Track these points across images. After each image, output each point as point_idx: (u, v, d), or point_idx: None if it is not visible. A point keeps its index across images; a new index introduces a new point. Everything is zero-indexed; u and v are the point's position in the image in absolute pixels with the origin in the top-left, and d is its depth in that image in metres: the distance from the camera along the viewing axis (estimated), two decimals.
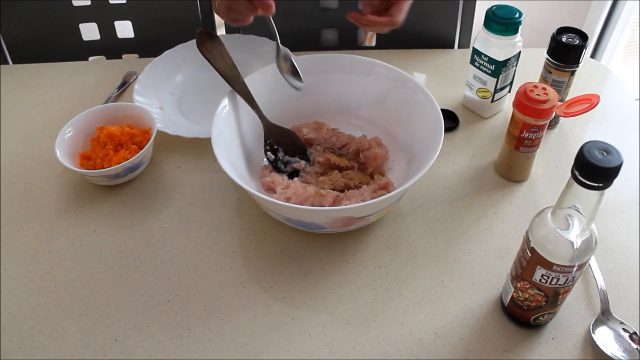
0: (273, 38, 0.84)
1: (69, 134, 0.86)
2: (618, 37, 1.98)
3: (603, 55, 2.04)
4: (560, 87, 0.87)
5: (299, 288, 0.74)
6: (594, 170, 0.50)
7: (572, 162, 0.52)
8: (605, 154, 0.50)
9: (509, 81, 0.93)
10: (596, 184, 0.51)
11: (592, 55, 2.08)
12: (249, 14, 0.75)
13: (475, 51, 0.89)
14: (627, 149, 0.92)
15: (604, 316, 0.69)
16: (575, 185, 0.52)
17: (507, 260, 0.76)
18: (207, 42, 0.80)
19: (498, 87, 0.91)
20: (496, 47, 0.87)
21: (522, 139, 0.80)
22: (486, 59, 0.88)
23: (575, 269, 0.59)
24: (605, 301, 0.71)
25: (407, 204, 0.83)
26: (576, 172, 0.52)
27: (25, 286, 0.74)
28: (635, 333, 0.67)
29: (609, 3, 1.90)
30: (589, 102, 0.74)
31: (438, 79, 1.06)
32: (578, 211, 0.55)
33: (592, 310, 0.71)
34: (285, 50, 0.85)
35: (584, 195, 0.53)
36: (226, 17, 0.76)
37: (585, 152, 0.50)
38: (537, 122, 0.77)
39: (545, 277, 0.60)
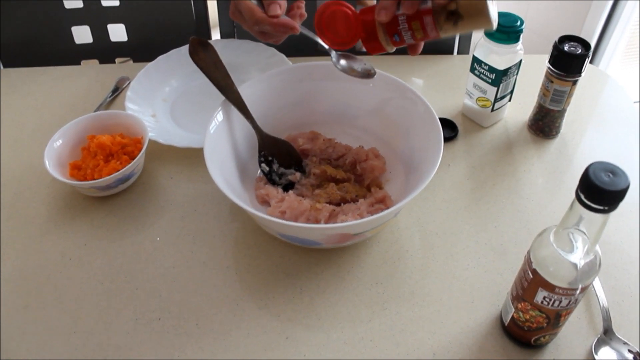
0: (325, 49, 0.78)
1: (59, 143, 0.84)
2: (618, 39, 1.96)
3: (603, 57, 2.03)
4: (562, 97, 0.85)
5: (294, 305, 0.72)
6: (600, 192, 0.48)
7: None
8: (611, 175, 0.48)
9: (509, 90, 0.91)
10: (602, 207, 0.49)
11: (592, 57, 2.07)
12: (281, 36, 0.76)
13: (476, 59, 0.87)
14: (630, 157, 0.90)
15: (607, 336, 0.68)
16: (580, 207, 0.50)
17: (507, 276, 0.74)
18: (200, 50, 0.78)
19: (498, 96, 0.89)
20: (497, 55, 0.85)
21: (397, 42, 0.69)
22: (486, 67, 0.86)
23: (578, 291, 0.57)
24: (607, 319, 0.69)
25: (405, 217, 0.81)
26: (581, 195, 0.50)
27: (12, 302, 0.72)
28: (639, 353, 0.65)
29: (609, 5, 1.88)
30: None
31: (437, 85, 1.04)
32: (582, 232, 0.53)
33: (594, 329, 0.69)
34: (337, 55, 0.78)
35: (589, 218, 0.51)
36: (262, 39, 0.78)
37: (590, 174, 0.48)
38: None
39: (547, 300, 0.58)
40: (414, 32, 0.65)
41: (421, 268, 0.75)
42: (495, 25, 0.62)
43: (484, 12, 0.61)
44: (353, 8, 0.67)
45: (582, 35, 1.95)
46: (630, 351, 0.66)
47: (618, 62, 2.08)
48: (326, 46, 0.74)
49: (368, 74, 0.75)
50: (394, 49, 0.69)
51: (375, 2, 0.69)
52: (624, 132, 0.96)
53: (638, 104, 2.03)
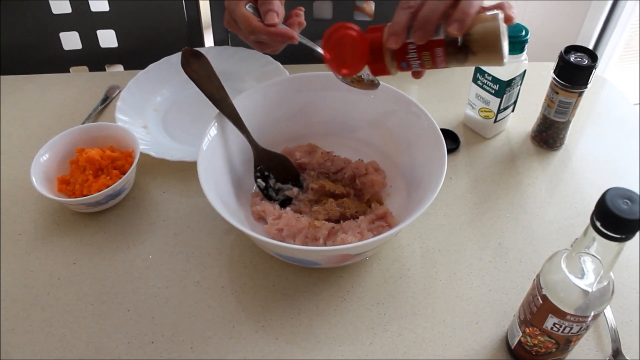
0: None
1: (45, 158, 0.80)
2: (616, 42, 1.95)
3: (601, 60, 2.01)
4: (568, 109, 0.83)
5: (292, 328, 0.69)
6: (618, 221, 0.45)
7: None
8: (629, 202, 0.46)
9: (512, 100, 0.88)
10: (619, 236, 0.47)
11: None
12: (279, 45, 0.74)
13: (479, 69, 0.85)
14: (637, 166, 0.88)
15: (616, 359, 0.65)
16: (595, 234, 0.48)
17: (513, 295, 0.72)
18: (193, 62, 0.75)
19: (502, 107, 0.86)
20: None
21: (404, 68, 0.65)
22: (490, 78, 0.83)
23: (590, 318, 0.55)
24: (616, 340, 0.67)
25: (406, 233, 0.79)
26: (597, 222, 0.47)
27: None
28: None
29: (607, 7, 1.86)
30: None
31: (438, 94, 1.02)
32: (596, 258, 0.51)
33: (602, 351, 0.67)
34: None
35: (604, 245, 0.49)
36: (259, 49, 0.75)
37: (607, 201, 0.46)
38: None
39: (558, 326, 0.56)
40: (423, 62, 0.62)
41: (423, 287, 0.73)
42: (506, 61, 0.59)
43: (497, 48, 0.58)
44: (360, 30, 0.63)
45: (580, 38, 1.94)
46: None
47: (615, 64, 2.06)
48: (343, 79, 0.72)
49: (372, 85, 0.72)
50: (398, 73, 0.66)
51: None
52: (627, 139, 0.94)
53: (638, 106, 2.01)
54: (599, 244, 0.49)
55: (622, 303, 0.71)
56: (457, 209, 0.82)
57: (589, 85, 0.80)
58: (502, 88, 0.83)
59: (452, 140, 0.91)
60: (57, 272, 0.75)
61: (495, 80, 0.83)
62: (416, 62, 0.62)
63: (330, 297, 0.72)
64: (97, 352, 0.67)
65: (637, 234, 0.47)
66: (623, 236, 0.47)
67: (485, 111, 0.88)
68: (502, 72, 0.82)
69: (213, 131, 0.75)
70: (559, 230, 0.79)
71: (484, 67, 0.84)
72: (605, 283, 0.53)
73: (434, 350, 0.67)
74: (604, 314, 0.69)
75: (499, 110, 0.86)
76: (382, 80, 0.77)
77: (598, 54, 2.01)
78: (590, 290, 0.53)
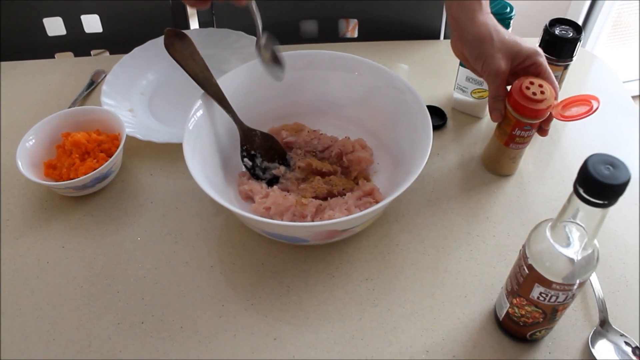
0: (254, 23, 0.75)
1: (31, 143, 0.80)
2: (604, 20, 1.94)
3: (589, 38, 2.01)
4: None
5: (282, 305, 0.69)
6: (600, 187, 0.45)
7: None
8: (611, 168, 0.46)
9: None
10: (602, 202, 0.47)
11: None
12: None
13: None
14: (621, 138, 0.89)
15: (603, 328, 0.66)
16: (578, 201, 0.48)
17: (500, 268, 0.72)
18: (176, 42, 0.74)
19: None
20: None
21: (514, 136, 0.76)
22: None
23: (575, 286, 0.55)
24: (603, 310, 0.67)
25: (394, 209, 0.79)
26: (580, 189, 0.47)
27: None
28: (638, 348, 0.63)
29: None
30: (588, 106, 0.69)
31: (424, 72, 1.01)
32: (580, 226, 0.51)
33: (590, 321, 0.67)
34: (266, 37, 0.76)
35: (587, 212, 0.49)
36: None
37: (589, 167, 0.46)
38: (530, 121, 0.73)
39: (544, 295, 0.56)
40: (518, 132, 0.75)
41: (412, 262, 0.73)
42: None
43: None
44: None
45: (568, 15, 1.94)
46: (627, 343, 0.64)
47: (604, 43, 2.06)
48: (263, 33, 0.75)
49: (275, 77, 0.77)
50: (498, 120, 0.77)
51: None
52: (614, 113, 0.94)
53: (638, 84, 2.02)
54: (583, 211, 0.49)
55: (608, 274, 0.72)
56: (444, 184, 0.82)
57: (574, 58, 0.80)
58: None
59: (438, 116, 0.91)
60: (45, 256, 0.75)
61: None
62: (520, 132, 0.76)
63: (318, 274, 0.72)
64: (87, 333, 0.67)
65: (620, 199, 0.47)
66: (606, 202, 0.47)
67: (479, 92, 0.87)
68: None
69: (199, 111, 0.74)
70: (546, 203, 0.79)
71: None
72: (590, 251, 0.54)
73: (423, 324, 0.67)
74: (591, 284, 0.70)
75: None
76: (366, 56, 0.78)
77: (585, 32, 2.01)
78: (575, 258, 0.53)
